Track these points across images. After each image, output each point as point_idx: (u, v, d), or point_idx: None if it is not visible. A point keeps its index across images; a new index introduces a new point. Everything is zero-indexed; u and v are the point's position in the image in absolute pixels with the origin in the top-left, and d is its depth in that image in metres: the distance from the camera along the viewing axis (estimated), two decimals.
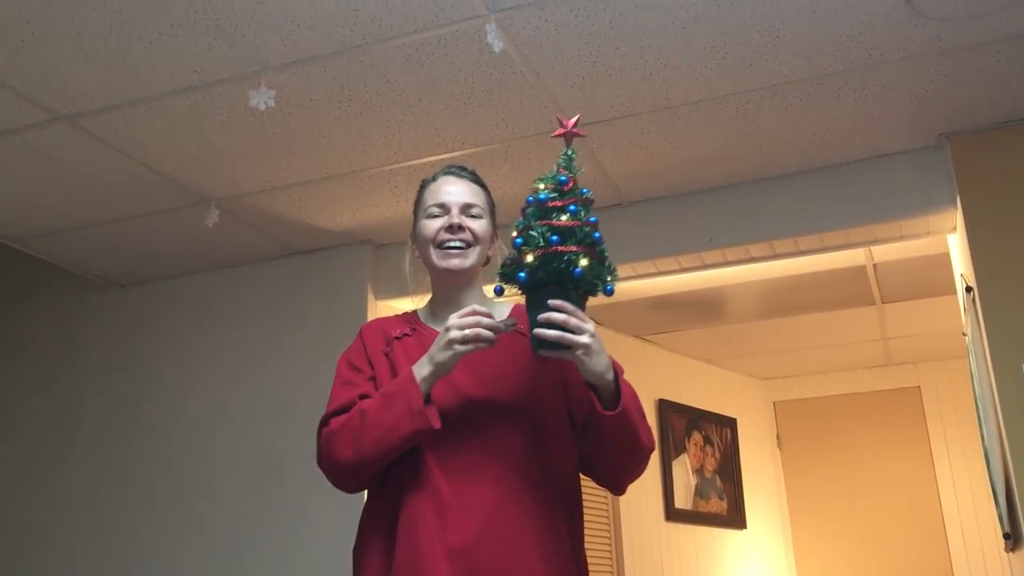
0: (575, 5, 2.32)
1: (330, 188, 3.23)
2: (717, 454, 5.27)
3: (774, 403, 5.86)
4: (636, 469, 1.70)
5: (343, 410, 1.65)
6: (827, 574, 5.45)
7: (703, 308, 4.56)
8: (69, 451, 3.92)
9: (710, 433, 5.28)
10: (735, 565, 5.16)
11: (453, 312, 1.69)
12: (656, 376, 5.01)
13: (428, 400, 1.59)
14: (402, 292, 3.57)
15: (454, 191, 1.78)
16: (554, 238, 1.50)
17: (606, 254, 1.56)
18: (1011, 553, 3.17)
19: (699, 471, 5.10)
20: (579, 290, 1.53)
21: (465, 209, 1.76)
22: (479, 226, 1.76)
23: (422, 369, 1.58)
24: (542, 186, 1.58)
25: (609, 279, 1.55)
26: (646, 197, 3.40)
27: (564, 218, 1.53)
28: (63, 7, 2.26)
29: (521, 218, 1.57)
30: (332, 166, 3.08)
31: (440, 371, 1.58)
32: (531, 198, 1.57)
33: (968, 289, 2.96)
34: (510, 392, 1.65)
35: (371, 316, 3.59)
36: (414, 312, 1.84)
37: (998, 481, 2.95)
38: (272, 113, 2.71)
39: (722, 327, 4.88)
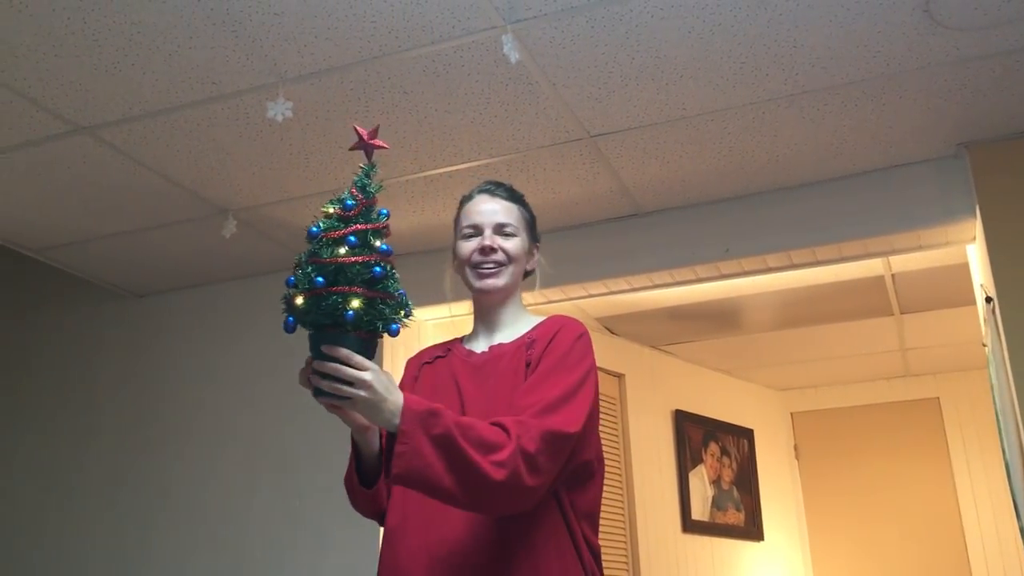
0: (591, 16, 2.32)
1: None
2: (734, 465, 5.24)
3: (791, 414, 5.83)
4: (478, 509, 1.51)
5: None
6: None
7: (720, 318, 4.54)
8: (85, 459, 3.94)
9: (727, 444, 5.25)
10: None
11: (491, 330, 1.79)
12: (673, 387, 4.99)
13: (381, 451, 1.61)
14: (417, 301, 3.56)
15: (487, 210, 1.80)
16: (319, 279, 1.37)
17: (392, 289, 1.43)
18: None
19: (716, 482, 5.07)
20: (358, 332, 1.39)
21: (498, 229, 1.78)
22: (513, 245, 1.78)
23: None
24: (331, 210, 1.44)
25: (395, 317, 1.42)
26: (662, 207, 3.40)
27: (342, 251, 1.39)
28: (84, 20, 2.28)
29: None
30: (348, 177, 3.08)
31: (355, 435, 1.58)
32: (310, 228, 1.43)
33: (988, 299, 2.94)
34: (505, 406, 1.63)
35: None
36: (460, 337, 1.88)
37: (1019, 493, 2.92)
38: (289, 124, 2.73)
39: (739, 337, 4.86)
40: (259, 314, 3.84)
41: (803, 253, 3.29)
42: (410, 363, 1.88)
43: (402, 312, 1.45)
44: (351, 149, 1.54)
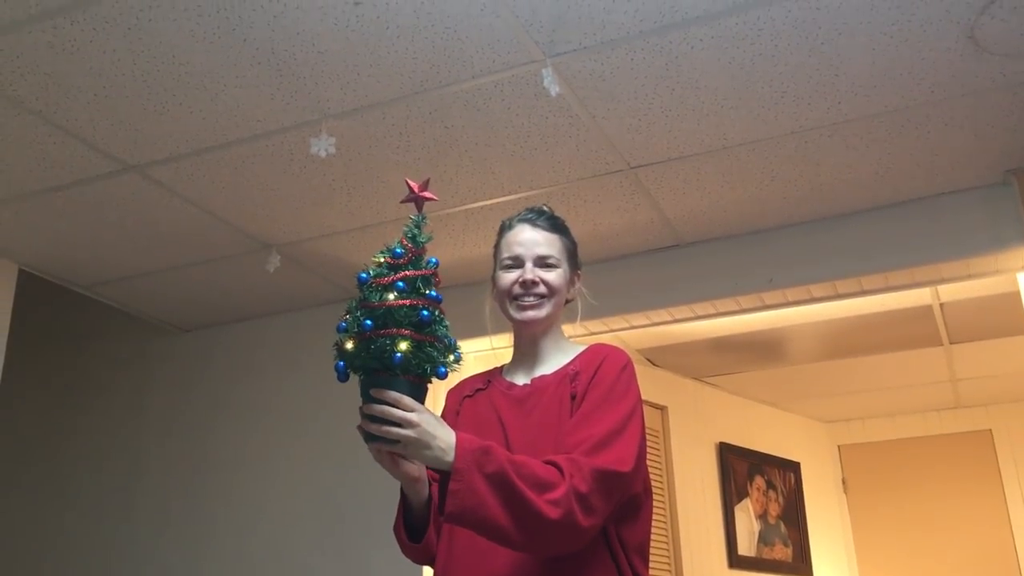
0: (631, 47, 2.33)
1: (388, 233, 3.26)
2: (780, 499, 5.15)
3: (839, 447, 5.72)
4: (530, 549, 1.48)
5: None
6: None
7: (764, 349, 4.49)
8: (134, 493, 3.98)
9: (773, 478, 5.16)
10: None
11: (532, 362, 1.76)
12: (716, 419, 4.92)
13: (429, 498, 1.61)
14: (458, 334, 3.57)
15: (528, 241, 1.77)
16: (368, 323, 1.40)
17: (441, 333, 1.44)
18: None
19: (762, 516, 4.98)
20: (407, 375, 1.41)
21: (540, 261, 1.76)
22: (554, 277, 1.76)
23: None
24: (381, 258, 1.48)
25: (443, 361, 1.44)
26: (704, 238, 3.38)
27: (391, 296, 1.41)
28: (133, 61, 2.34)
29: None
30: (390, 211, 3.12)
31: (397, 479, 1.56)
32: (360, 274, 1.47)
33: None
34: (552, 440, 1.61)
35: None
36: (500, 367, 1.86)
37: None
38: (332, 160, 2.76)
39: (784, 369, 4.79)
40: (304, 348, 3.87)
41: (849, 283, 3.24)
42: (450, 395, 1.86)
43: (451, 356, 1.46)
44: (403, 202, 1.57)
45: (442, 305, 1.49)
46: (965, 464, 5.36)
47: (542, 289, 1.75)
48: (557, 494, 1.41)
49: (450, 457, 1.39)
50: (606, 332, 3.65)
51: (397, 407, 1.39)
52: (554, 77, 2.37)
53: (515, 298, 1.76)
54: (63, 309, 4.37)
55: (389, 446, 1.41)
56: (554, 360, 1.77)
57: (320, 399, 3.75)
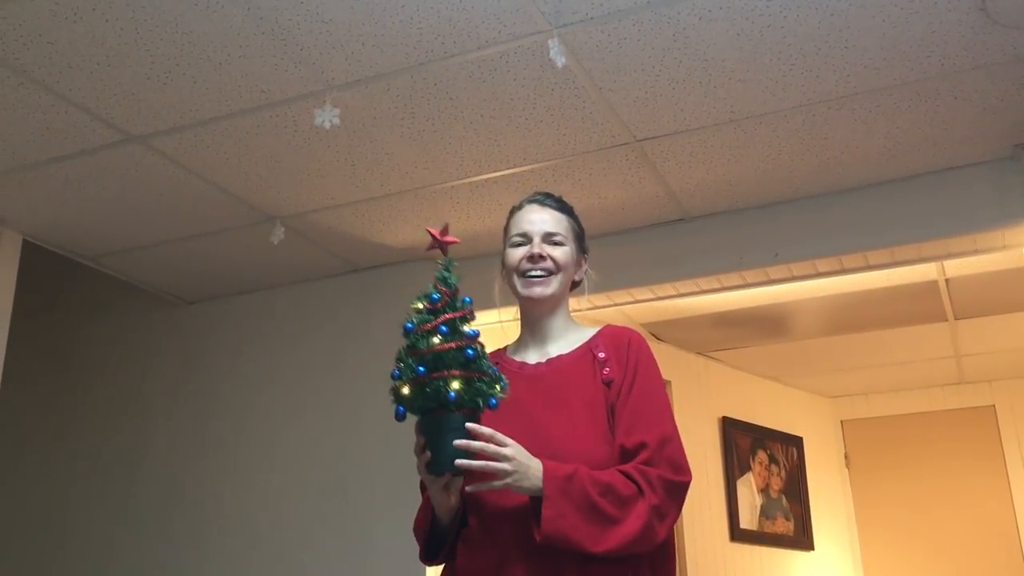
0: (638, 19, 2.30)
1: (393, 205, 3.25)
2: (783, 473, 5.16)
3: (841, 422, 5.73)
4: (610, 556, 1.57)
5: None
6: None
7: (768, 324, 4.48)
8: (140, 466, 4.00)
9: (775, 452, 5.17)
10: None
11: (542, 341, 1.82)
12: (720, 394, 4.93)
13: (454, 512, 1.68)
14: None
15: (537, 219, 1.83)
16: (420, 369, 1.52)
17: (485, 367, 1.57)
18: None
19: (764, 491, 5.00)
20: (461, 410, 1.54)
21: (547, 237, 1.81)
22: (561, 253, 1.81)
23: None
24: (420, 305, 1.59)
25: (491, 392, 1.56)
26: (710, 212, 3.36)
27: (436, 340, 1.53)
28: (136, 30, 2.32)
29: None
30: (395, 183, 3.11)
31: (437, 507, 1.67)
32: (405, 324, 1.58)
33: None
34: (582, 422, 1.68)
35: None
36: (504, 348, 1.91)
37: None
38: (336, 131, 2.75)
39: (788, 344, 4.79)
40: (308, 320, 3.87)
41: (854, 258, 3.23)
42: None
43: (497, 387, 1.58)
44: (428, 250, 1.66)
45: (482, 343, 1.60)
46: (968, 440, 5.37)
47: (549, 264, 1.79)
48: (638, 510, 1.55)
49: (540, 484, 1.52)
50: (610, 306, 3.65)
51: (492, 442, 1.51)
52: (560, 48, 2.34)
53: (523, 273, 1.80)
54: (67, 280, 4.37)
55: (468, 479, 1.56)
56: (564, 339, 1.81)
57: (324, 371, 3.76)
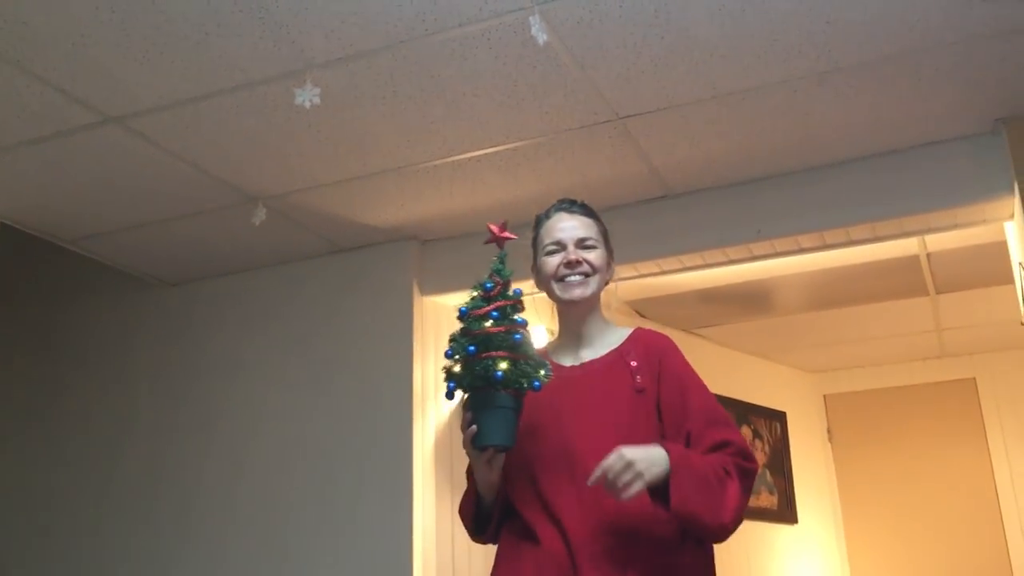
0: None
1: (375, 184, 3.24)
2: (767, 448, 5.21)
3: (824, 396, 5.78)
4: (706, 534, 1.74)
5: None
6: (881, 569, 5.36)
7: (751, 300, 4.50)
8: (122, 448, 3.99)
9: (759, 427, 5.21)
10: (786, 560, 5.10)
11: (578, 343, 1.94)
12: (703, 370, 4.87)
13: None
14: (447, 288, 3.57)
15: (568, 227, 1.94)
16: (471, 348, 1.66)
17: (531, 352, 1.70)
18: None
19: None
20: (507, 389, 1.66)
21: (580, 243, 1.93)
22: (595, 256, 1.93)
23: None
24: (475, 292, 1.73)
25: (535, 375, 1.68)
26: (692, 188, 3.36)
27: (488, 324, 1.67)
28: (112, 9, 2.29)
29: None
30: (377, 162, 3.09)
31: (480, 482, 1.81)
32: (460, 308, 1.72)
33: None
34: (609, 422, 1.79)
35: (417, 312, 3.59)
36: (545, 347, 2.02)
37: None
38: (317, 111, 2.72)
39: (771, 319, 4.81)
40: (291, 300, 3.86)
41: (837, 233, 3.24)
42: None
43: (541, 371, 1.70)
44: (486, 243, 1.79)
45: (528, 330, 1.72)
46: (949, 412, 5.43)
47: (586, 268, 1.90)
48: (732, 490, 1.72)
49: (667, 467, 1.65)
50: None
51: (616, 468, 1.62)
52: (542, 25, 2.33)
53: (561, 279, 1.90)
54: (47, 263, 4.33)
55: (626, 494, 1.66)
56: (599, 342, 1.92)
57: (307, 351, 3.75)
